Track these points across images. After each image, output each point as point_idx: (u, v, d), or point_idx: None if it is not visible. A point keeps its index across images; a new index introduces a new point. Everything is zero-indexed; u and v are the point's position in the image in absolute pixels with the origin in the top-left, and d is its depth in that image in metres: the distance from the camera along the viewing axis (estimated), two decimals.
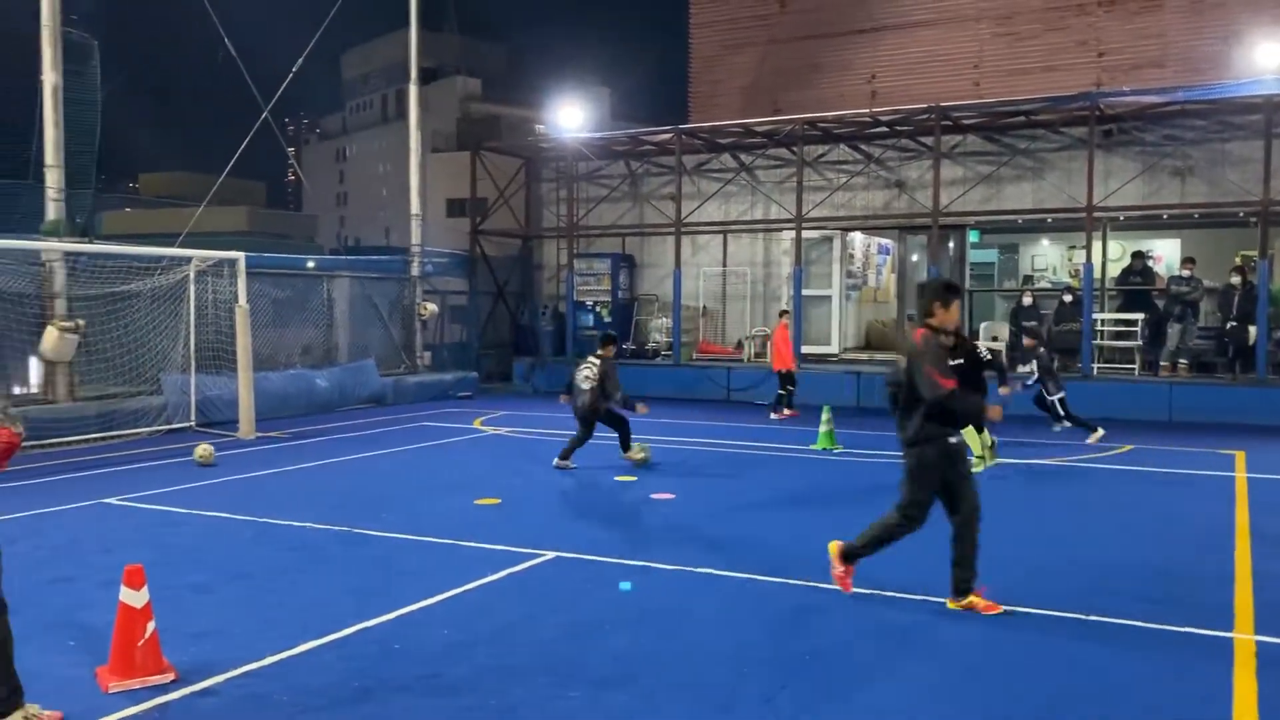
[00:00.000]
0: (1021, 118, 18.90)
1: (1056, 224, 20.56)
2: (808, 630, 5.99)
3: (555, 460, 11.74)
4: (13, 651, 4.61)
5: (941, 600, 6.44)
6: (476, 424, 16.13)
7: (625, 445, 12.01)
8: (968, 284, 21.31)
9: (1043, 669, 5.35)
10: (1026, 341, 14.68)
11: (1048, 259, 23.52)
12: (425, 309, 21.19)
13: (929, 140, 19.34)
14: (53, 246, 14.13)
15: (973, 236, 21.55)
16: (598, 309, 22.46)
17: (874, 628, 6.02)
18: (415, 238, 21.70)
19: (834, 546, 6.50)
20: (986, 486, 10.68)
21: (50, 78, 14.51)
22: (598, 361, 11.70)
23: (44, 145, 14.56)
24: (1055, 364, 14.32)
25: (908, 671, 5.34)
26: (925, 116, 18.70)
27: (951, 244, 21.47)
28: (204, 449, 12.08)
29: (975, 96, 21.27)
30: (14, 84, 15.56)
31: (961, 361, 10.59)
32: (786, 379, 16.76)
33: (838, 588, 6.51)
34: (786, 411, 16.67)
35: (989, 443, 11.65)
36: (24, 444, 4.68)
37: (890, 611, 6.33)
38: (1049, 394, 13.71)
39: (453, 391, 20.50)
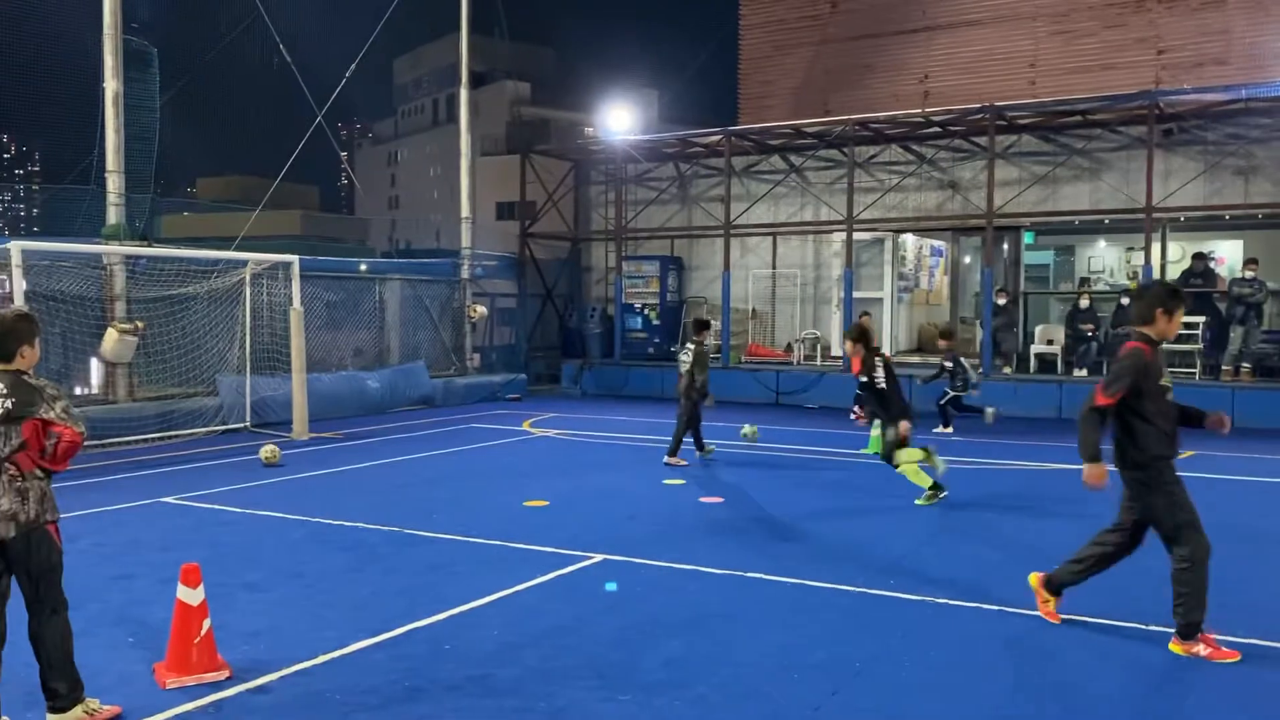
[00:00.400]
0: (1078, 117, 18.56)
1: (1114, 225, 20.17)
2: (859, 637, 5.91)
3: (667, 456, 12.21)
4: (73, 648, 4.70)
5: (997, 608, 6.34)
6: (525, 426, 16.19)
7: (673, 450, 12.09)
8: (1022, 286, 21.00)
9: (1104, 676, 5.23)
10: (943, 343, 15.48)
11: (1105, 261, 23.10)
12: (475, 311, 21.33)
13: (983, 140, 19.09)
14: (113, 250, 14.44)
15: (1028, 238, 21.21)
16: (646, 311, 22.44)
17: (926, 635, 5.93)
18: (465, 240, 21.86)
19: (1176, 646, 5.60)
20: (1039, 494, 10.50)
21: (111, 85, 14.83)
22: (693, 347, 12.17)
23: (105, 151, 14.90)
24: (958, 364, 15.32)
25: (958, 680, 5.25)
26: (979, 116, 18.45)
27: (1006, 245, 21.18)
28: (270, 449, 12.34)
29: (1031, 96, 20.94)
30: (77, 91, 15.92)
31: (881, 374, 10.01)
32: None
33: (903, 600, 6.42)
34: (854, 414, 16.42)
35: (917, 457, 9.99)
36: (85, 444, 4.77)
37: (943, 619, 6.23)
38: (954, 390, 14.98)
39: (501, 393, 20.62)
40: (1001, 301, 18.55)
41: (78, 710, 4.66)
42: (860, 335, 10.11)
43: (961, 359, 15.24)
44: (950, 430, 15.00)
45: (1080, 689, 5.11)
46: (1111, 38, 21.91)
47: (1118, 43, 21.82)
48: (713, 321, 20.50)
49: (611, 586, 6.92)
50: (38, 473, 4.58)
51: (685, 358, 12.20)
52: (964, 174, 20.33)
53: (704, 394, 12.11)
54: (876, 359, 9.83)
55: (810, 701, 4.95)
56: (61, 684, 4.64)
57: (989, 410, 15.56)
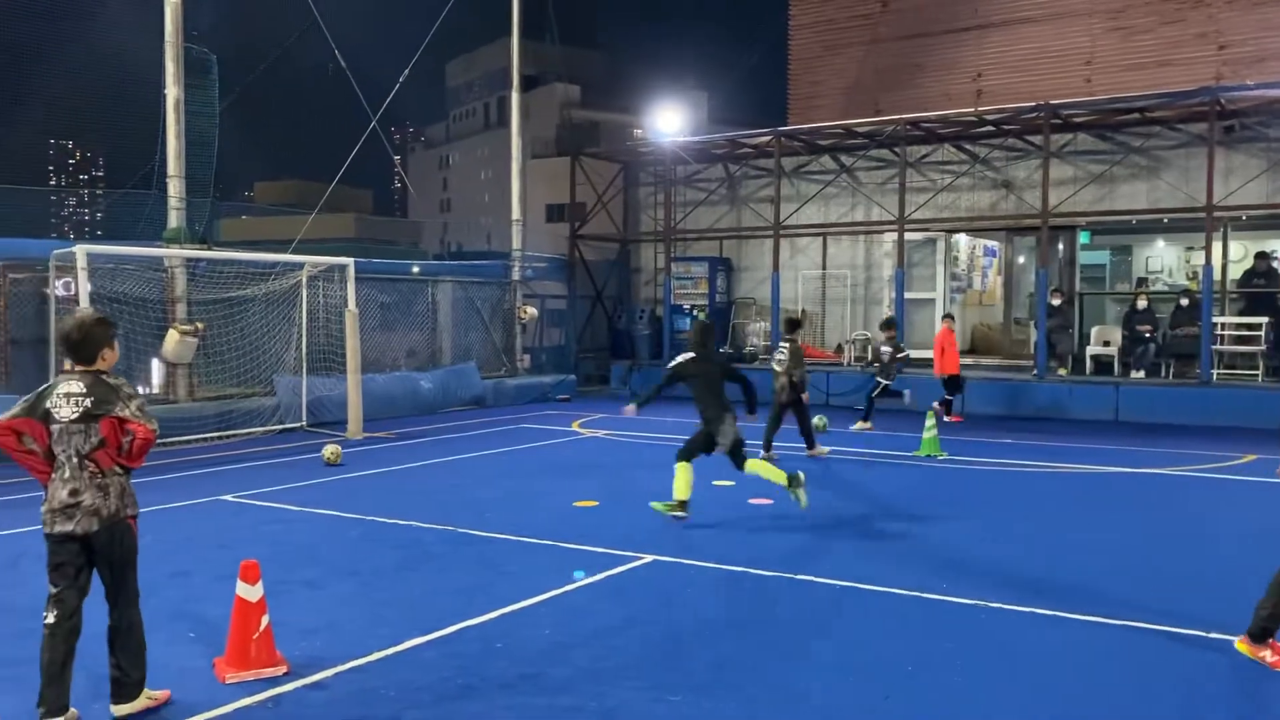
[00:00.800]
0: (1136, 114, 18.23)
1: (1173, 224, 19.76)
2: (912, 640, 5.87)
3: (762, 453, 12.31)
4: (145, 639, 4.85)
5: (1051, 612, 6.27)
6: (575, 426, 16.28)
7: (810, 442, 12.83)
8: (1078, 287, 20.66)
9: (1163, 683, 5.15)
10: (885, 334, 15.76)
11: (1163, 261, 22.63)
12: (525, 312, 21.50)
13: (1037, 139, 18.83)
14: (174, 253, 14.77)
15: (1083, 238, 20.87)
16: (695, 313, 22.42)
17: (980, 639, 5.88)
18: (516, 242, 22.03)
19: (1243, 645, 5.53)
20: (1095, 497, 10.34)
21: (172, 92, 15.18)
22: (788, 345, 12.74)
23: (166, 156, 15.25)
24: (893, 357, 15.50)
25: (1014, 686, 5.20)
26: (1034, 115, 18.20)
27: (1061, 245, 20.85)
28: (332, 449, 12.59)
29: (1086, 93, 20.61)
30: (139, 98, 16.32)
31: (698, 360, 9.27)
32: (952, 384, 16.44)
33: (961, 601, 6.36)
34: (948, 416, 16.27)
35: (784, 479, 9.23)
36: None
37: (996, 623, 6.17)
38: (882, 379, 15.36)
39: (551, 394, 20.74)
40: (1056, 302, 18.28)
41: (142, 699, 4.81)
42: (704, 338, 9.64)
43: (884, 348, 15.64)
44: (869, 425, 15.23)
45: (1141, 696, 5.04)
46: (1169, 33, 21.50)
47: (1176, 38, 21.40)
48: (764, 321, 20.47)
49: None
50: (117, 469, 4.75)
51: (781, 356, 12.72)
52: (1018, 173, 20.06)
53: (802, 389, 12.67)
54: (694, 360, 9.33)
55: (863, 704, 4.94)
56: (132, 674, 4.79)
57: (906, 393, 16.25)
